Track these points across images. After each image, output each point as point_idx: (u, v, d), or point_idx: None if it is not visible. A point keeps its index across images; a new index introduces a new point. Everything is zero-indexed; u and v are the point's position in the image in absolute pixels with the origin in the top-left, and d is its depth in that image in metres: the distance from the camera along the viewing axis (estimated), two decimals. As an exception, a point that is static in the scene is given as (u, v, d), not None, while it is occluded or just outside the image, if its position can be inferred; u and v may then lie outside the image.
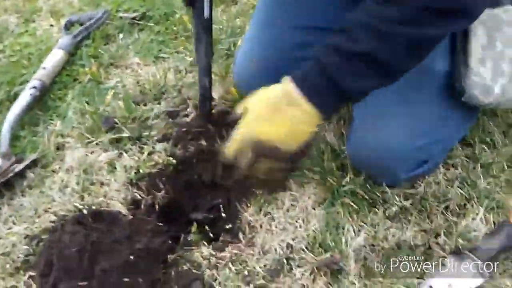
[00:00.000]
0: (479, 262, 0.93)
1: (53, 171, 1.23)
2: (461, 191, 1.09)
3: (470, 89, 0.97)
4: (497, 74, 0.97)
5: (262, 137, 0.84)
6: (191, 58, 1.48)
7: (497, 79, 0.97)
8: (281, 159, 0.88)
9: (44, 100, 1.41)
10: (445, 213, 1.06)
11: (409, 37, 0.77)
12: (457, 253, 0.97)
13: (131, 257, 0.95)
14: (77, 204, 1.09)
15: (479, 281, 0.93)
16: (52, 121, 1.35)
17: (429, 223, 1.05)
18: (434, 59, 0.98)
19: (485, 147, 1.18)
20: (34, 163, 1.24)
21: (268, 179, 0.95)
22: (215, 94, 1.37)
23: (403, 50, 0.78)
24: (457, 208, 1.07)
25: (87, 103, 1.37)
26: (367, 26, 0.77)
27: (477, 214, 1.05)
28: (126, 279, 0.93)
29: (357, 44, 0.78)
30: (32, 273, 1.01)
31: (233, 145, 0.89)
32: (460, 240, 1.01)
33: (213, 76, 1.40)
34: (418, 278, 0.96)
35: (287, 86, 0.83)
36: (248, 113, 0.87)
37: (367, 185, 1.10)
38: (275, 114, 0.84)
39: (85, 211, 1.03)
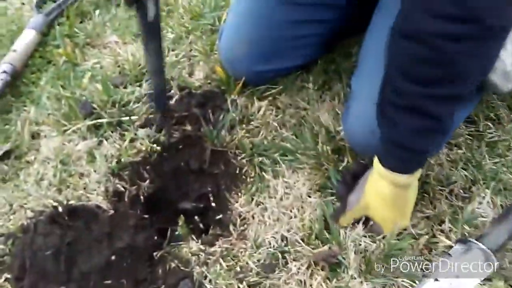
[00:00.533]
0: (488, 250, 0.87)
1: (28, 162, 1.14)
2: (466, 173, 1.03)
3: (489, 74, 0.88)
4: None
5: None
6: (173, 35, 1.38)
7: None
8: None
9: (16, 85, 1.31)
10: (449, 197, 1.00)
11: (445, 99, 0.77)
12: (463, 241, 0.91)
13: (113, 257, 0.88)
14: (52, 201, 1.01)
15: (488, 270, 0.87)
16: (25, 108, 1.25)
17: (433, 209, 0.98)
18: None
19: (490, 124, 1.11)
20: (7, 154, 1.15)
21: None
22: (200, 73, 1.29)
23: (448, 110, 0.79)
24: (461, 191, 1.00)
25: (63, 87, 1.27)
26: (414, 109, 0.78)
27: (483, 197, 0.98)
28: (107, 282, 0.86)
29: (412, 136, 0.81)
30: (8, 275, 0.94)
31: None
32: (466, 227, 0.95)
33: (196, 53, 1.33)
34: (422, 270, 0.90)
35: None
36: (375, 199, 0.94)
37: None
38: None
39: (60, 209, 0.94)
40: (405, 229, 0.95)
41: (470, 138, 1.09)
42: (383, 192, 0.91)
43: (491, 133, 1.09)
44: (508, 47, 0.85)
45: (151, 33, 0.95)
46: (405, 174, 0.87)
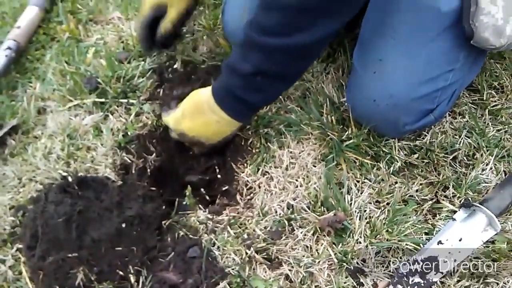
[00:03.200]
0: (491, 214, 0.88)
1: (35, 137, 1.16)
2: (469, 141, 1.04)
3: (480, 31, 0.89)
4: (509, 13, 0.88)
5: (185, 132, 1.00)
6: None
7: (509, 19, 0.89)
8: (202, 147, 1.05)
9: (21, 62, 1.32)
10: (453, 164, 1.01)
11: (288, 47, 0.82)
12: (467, 205, 0.92)
13: (123, 225, 0.89)
14: (62, 172, 1.02)
15: (491, 234, 0.89)
16: (31, 84, 1.26)
17: (437, 175, 1.00)
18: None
19: (494, 92, 1.11)
20: (14, 130, 1.16)
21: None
22: (204, 48, 1.29)
23: (287, 60, 0.85)
24: (465, 158, 1.01)
25: (67, 63, 1.27)
26: (252, 42, 0.84)
27: (487, 164, 1.00)
28: (118, 248, 0.88)
29: (249, 63, 0.85)
30: (20, 246, 0.96)
31: (166, 123, 1.05)
32: (469, 192, 0.96)
33: (200, 28, 1.33)
34: (426, 233, 0.92)
35: (209, 93, 0.95)
36: (180, 109, 1.00)
37: (370, 138, 1.04)
38: (200, 116, 0.97)
39: (70, 179, 0.96)
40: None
41: (474, 106, 1.09)
42: (199, 99, 0.97)
43: (495, 101, 1.10)
44: (499, 2, 0.86)
45: None
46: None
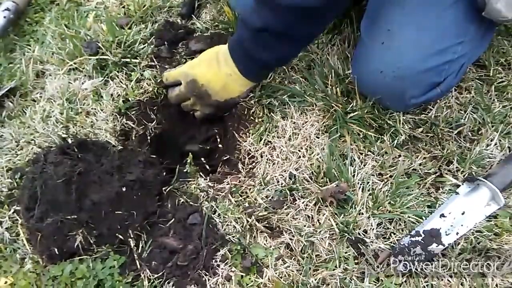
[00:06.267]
0: (495, 188, 0.88)
1: (34, 100, 1.14)
2: (475, 116, 1.02)
3: (493, 2, 0.87)
4: None
5: (198, 78, 0.99)
6: (180, -23, 1.34)
7: None
8: (207, 104, 1.03)
9: (19, 25, 1.29)
10: (457, 139, 1.00)
11: (297, 6, 0.83)
12: (471, 179, 0.91)
13: (123, 189, 0.88)
14: (61, 134, 1.00)
15: (494, 208, 0.89)
16: (29, 47, 1.24)
17: (441, 149, 0.99)
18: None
19: (500, 69, 1.10)
20: (12, 92, 1.14)
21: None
22: (207, 16, 1.26)
23: (295, 21, 0.86)
24: (470, 133, 1.00)
25: (67, 26, 1.25)
26: (264, 1, 0.85)
27: (491, 139, 0.99)
28: (118, 212, 0.87)
29: (259, 19, 0.87)
30: (17, 207, 0.95)
31: (173, 73, 1.05)
32: (473, 167, 0.95)
33: (203, -4, 1.30)
34: (429, 206, 0.91)
35: (226, 46, 0.97)
36: (197, 58, 1.03)
37: (375, 111, 1.02)
38: (215, 65, 0.98)
39: (70, 141, 0.94)
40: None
41: (480, 82, 1.08)
42: (217, 50, 1.00)
43: (501, 77, 1.08)
44: None
45: None
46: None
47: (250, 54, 0.93)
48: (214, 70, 0.98)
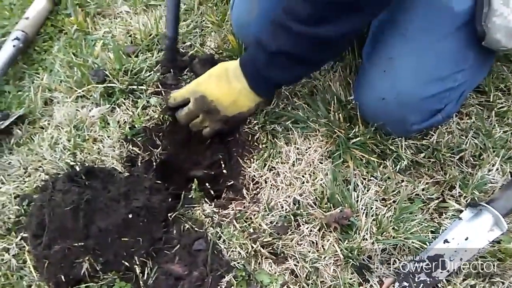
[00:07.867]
0: (498, 213, 0.88)
1: (42, 128, 1.15)
2: (476, 141, 1.04)
3: (492, 32, 0.90)
4: None
5: (206, 94, 1.01)
6: (185, 6, 1.38)
7: None
8: (216, 119, 1.04)
9: (28, 53, 1.32)
10: (459, 164, 1.01)
11: (314, 36, 0.85)
12: (474, 205, 0.92)
13: (129, 215, 0.89)
14: (69, 161, 1.02)
15: (497, 233, 0.89)
16: (38, 75, 1.26)
17: (443, 175, 1.00)
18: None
19: (500, 94, 1.12)
20: (20, 120, 1.16)
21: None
22: (212, 43, 1.29)
23: (313, 47, 0.89)
24: (472, 158, 1.01)
25: (75, 55, 1.28)
26: (282, 25, 0.88)
27: (493, 165, 1.00)
28: (124, 239, 0.88)
29: (276, 42, 0.90)
30: (25, 234, 0.96)
31: (180, 92, 1.06)
32: (476, 192, 0.96)
33: (209, 24, 1.33)
34: (432, 232, 0.92)
35: (237, 63, 0.99)
36: (206, 73, 1.04)
37: (377, 136, 1.04)
38: (225, 81, 1.00)
39: (77, 168, 0.95)
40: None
41: (481, 108, 1.10)
42: (227, 66, 1.01)
43: (501, 103, 1.10)
44: (511, 4, 0.87)
45: None
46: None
47: (263, 73, 0.95)
48: (224, 86, 1.00)
